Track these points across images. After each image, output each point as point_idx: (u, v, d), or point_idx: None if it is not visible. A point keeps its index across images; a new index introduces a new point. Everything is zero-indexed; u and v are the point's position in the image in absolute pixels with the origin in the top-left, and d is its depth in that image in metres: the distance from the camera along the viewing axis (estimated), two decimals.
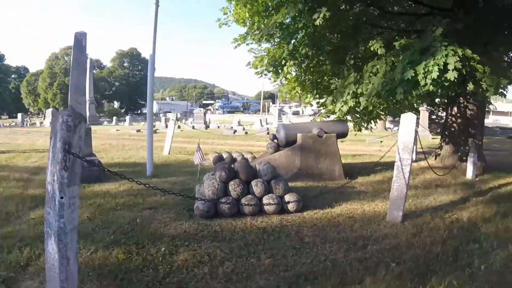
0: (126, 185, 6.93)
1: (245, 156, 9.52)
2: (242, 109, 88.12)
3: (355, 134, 10.63)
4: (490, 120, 32.36)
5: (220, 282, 3.36)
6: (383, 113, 8.72)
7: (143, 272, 3.54)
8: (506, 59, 9.16)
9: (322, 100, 10.07)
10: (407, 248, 4.18)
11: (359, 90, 7.28)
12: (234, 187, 5.32)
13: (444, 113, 10.59)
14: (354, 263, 3.78)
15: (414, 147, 10.34)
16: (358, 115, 8.73)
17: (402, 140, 5.08)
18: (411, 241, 4.40)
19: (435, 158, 10.09)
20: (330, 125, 8.68)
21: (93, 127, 22.70)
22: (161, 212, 5.23)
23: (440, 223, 5.11)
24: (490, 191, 7.19)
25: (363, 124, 8.71)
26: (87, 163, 3.44)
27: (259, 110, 74.50)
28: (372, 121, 9.03)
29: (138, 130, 22.87)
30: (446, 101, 11.26)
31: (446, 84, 5.90)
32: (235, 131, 21.36)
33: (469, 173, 8.34)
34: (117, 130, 21.43)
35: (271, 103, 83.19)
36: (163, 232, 4.47)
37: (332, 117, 9.44)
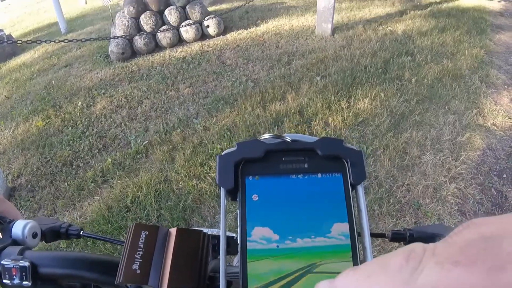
0: (40, 50, 6.03)
1: None
2: None
3: None
4: None
5: (139, 122, 3.13)
6: None
7: (63, 132, 3.26)
8: None
9: None
10: (334, 61, 3.84)
11: None
12: (146, 20, 4.59)
13: None
14: (277, 80, 3.51)
15: None
16: None
17: None
18: (339, 54, 4.01)
19: None
20: None
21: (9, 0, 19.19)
22: (76, 67, 4.63)
23: (373, 35, 4.60)
24: (429, 5, 6.21)
25: None
26: None
27: None
28: None
29: None
30: None
31: None
32: None
33: None
34: None
35: None
36: (79, 86, 4.00)
37: None
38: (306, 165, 0.38)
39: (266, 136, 0.39)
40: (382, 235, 0.58)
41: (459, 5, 6.50)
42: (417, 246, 0.18)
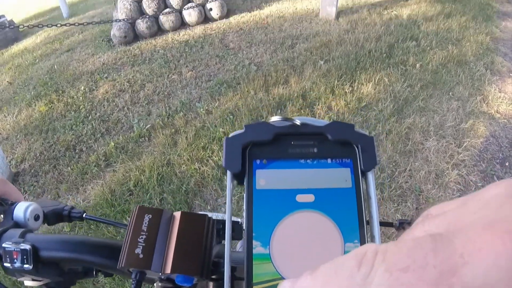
0: (42, 35, 5.97)
1: None
2: None
3: None
4: None
5: (141, 106, 3.10)
6: None
7: (66, 116, 3.24)
8: None
9: None
10: (338, 45, 3.76)
11: None
12: (148, 4, 4.50)
13: None
14: (280, 64, 3.45)
15: None
16: None
17: None
18: (343, 38, 3.92)
19: None
20: None
21: None
22: (78, 52, 4.57)
23: (378, 19, 4.48)
24: None
25: None
26: None
27: None
28: None
29: None
30: None
31: None
32: None
33: None
34: None
35: None
36: (82, 71, 3.96)
37: None
38: (315, 150, 0.36)
39: (275, 118, 0.36)
40: (389, 224, 0.55)
41: None
42: (370, 248, 0.16)
